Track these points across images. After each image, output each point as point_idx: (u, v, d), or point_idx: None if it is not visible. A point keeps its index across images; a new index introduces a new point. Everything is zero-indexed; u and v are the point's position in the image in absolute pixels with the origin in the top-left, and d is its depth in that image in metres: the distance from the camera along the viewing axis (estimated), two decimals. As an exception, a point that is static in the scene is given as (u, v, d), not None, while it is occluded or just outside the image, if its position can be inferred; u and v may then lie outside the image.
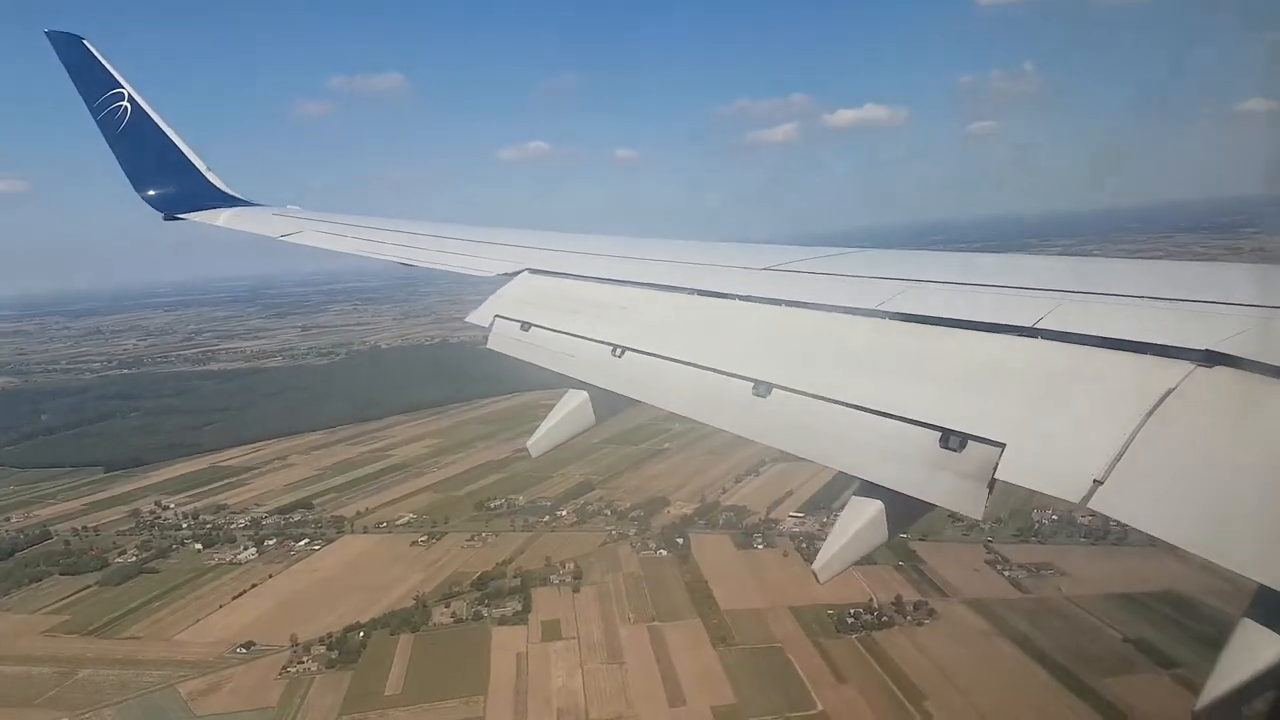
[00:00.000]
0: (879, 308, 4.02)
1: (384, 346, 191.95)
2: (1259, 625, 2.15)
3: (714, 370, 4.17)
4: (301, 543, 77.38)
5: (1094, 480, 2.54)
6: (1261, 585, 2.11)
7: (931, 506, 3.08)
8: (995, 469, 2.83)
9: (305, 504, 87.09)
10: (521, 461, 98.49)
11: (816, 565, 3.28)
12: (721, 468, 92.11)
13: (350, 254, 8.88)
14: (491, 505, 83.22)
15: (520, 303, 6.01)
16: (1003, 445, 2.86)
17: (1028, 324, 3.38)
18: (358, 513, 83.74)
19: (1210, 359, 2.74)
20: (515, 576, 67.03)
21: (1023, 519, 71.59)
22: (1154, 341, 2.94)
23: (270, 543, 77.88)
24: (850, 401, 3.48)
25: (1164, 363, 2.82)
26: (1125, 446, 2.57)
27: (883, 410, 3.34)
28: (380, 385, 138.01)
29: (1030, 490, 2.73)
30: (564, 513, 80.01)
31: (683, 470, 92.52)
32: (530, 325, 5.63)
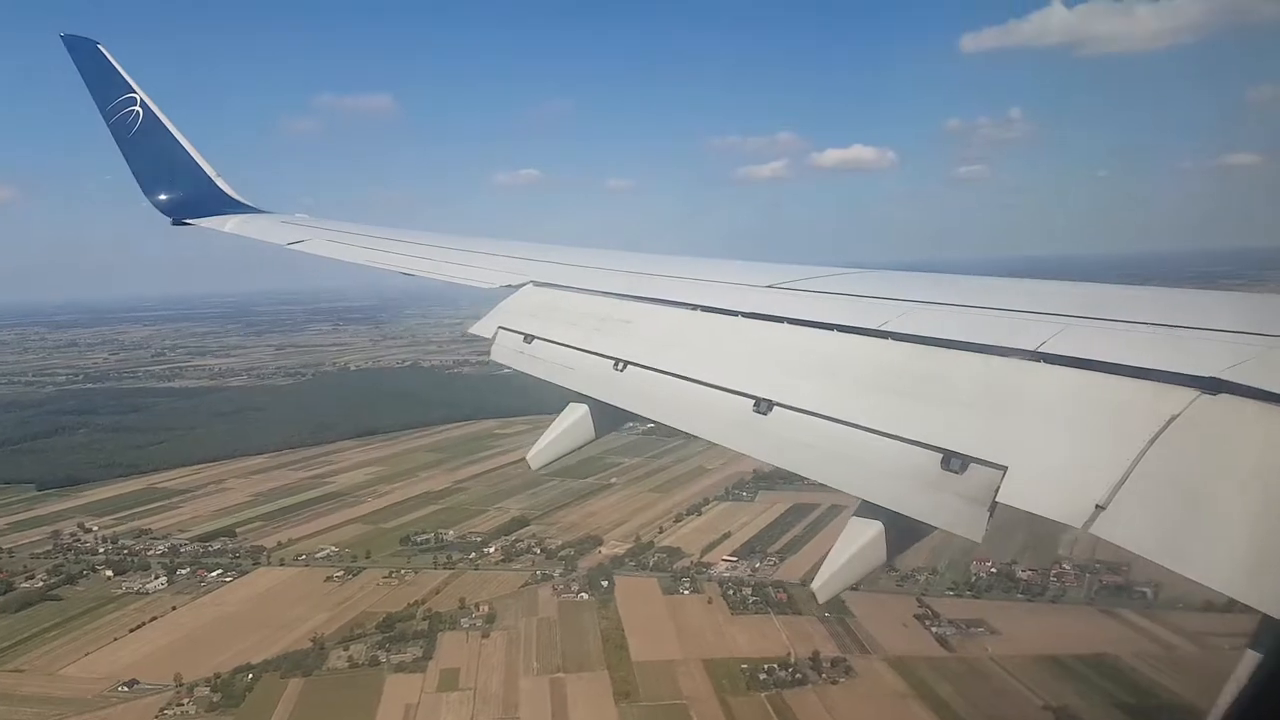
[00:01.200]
0: (882, 327, 3.99)
1: (353, 368, 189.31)
2: (1260, 656, 2.18)
3: (715, 386, 4.17)
4: (215, 573, 74.35)
5: (1096, 505, 2.54)
6: (1265, 615, 2.12)
7: (932, 528, 3.07)
8: (997, 492, 2.82)
9: (229, 531, 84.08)
10: (462, 493, 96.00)
11: (815, 585, 3.28)
12: (665, 505, 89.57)
13: (355, 263, 8.82)
14: (418, 540, 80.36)
15: (524, 315, 6.00)
16: (1005, 468, 2.85)
17: (1032, 347, 3.34)
18: (279, 543, 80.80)
19: (1214, 386, 2.71)
20: (424, 618, 64.06)
21: (960, 571, 68.95)
22: (1158, 368, 2.90)
23: (183, 572, 74.85)
24: (851, 420, 3.47)
25: (1168, 389, 2.80)
26: (1128, 472, 2.57)
27: (884, 430, 3.31)
28: (338, 408, 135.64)
29: (1032, 513, 2.71)
30: (491, 550, 77.11)
31: (624, 507, 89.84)
32: (533, 338, 5.60)
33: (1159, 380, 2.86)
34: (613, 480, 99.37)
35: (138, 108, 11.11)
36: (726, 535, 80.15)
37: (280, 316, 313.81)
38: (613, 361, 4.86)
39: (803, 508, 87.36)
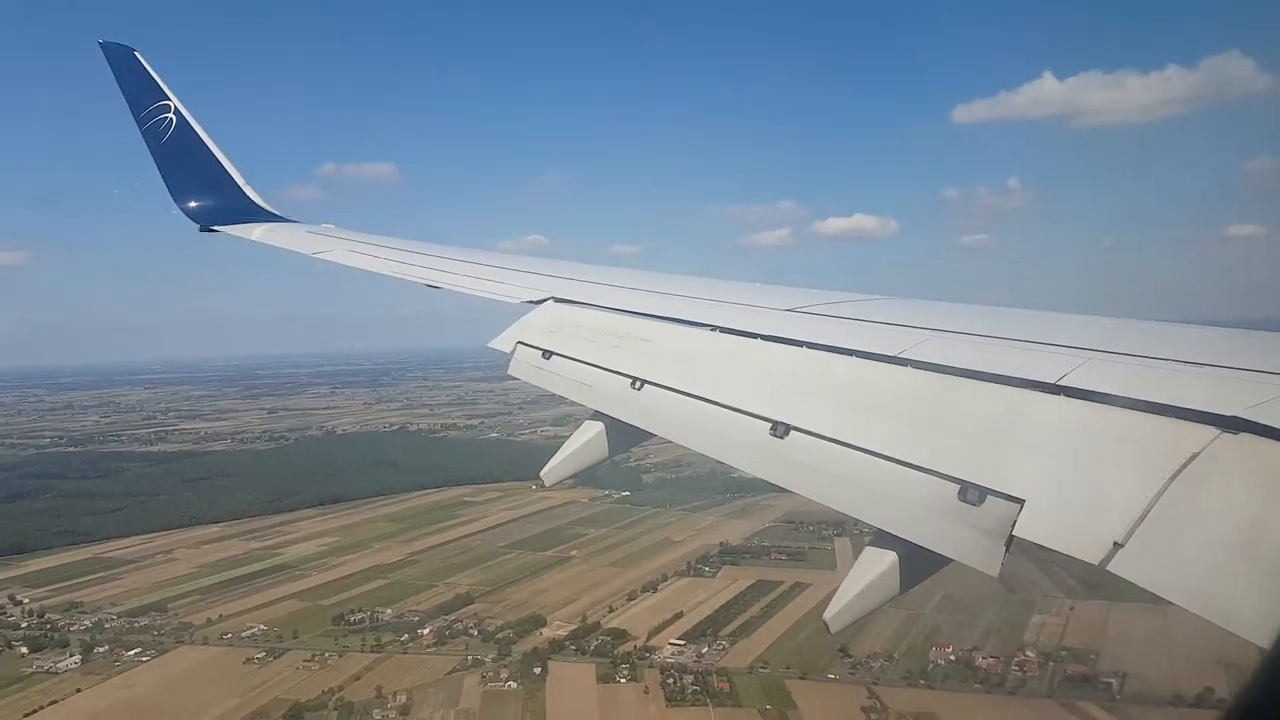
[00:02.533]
0: (901, 355, 3.94)
1: (340, 432, 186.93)
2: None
3: (733, 408, 4.13)
4: (132, 652, 70.29)
5: (1114, 542, 2.52)
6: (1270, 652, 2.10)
7: (947, 560, 3.05)
8: (1014, 525, 2.79)
9: (160, 606, 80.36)
10: (412, 566, 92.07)
11: (828, 615, 3.24)
12: (621, 581, 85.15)
13: (380, 274, 8.68)
14: (352, 619, 76.14)
15: (543, 331, 6.00)
16: (1022, 501, 2.83)
17: (1051, 380, 3.30)
18: (209, 620, 76.77)
19: (1236, 425, 2.68)
20: (336, 708, 59.76)
21: (917, 658, 64.08)
22: (1179, 405, 2.86)
23: (101, 650, 70.90)
24: (868, 448, 3.43)
25: (1189, 426, 2.76)
26: (1147, 510, 2.54)
27: (901, 459, 3.28)
28: (309, 474, 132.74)
29: (1048, 548, 2.70)
30: (425, 631, 72.70)
31: (579, 583, 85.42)
32: (552, 353, 5.61)
33: (1180, 417, 2.80)
34: (573, 553, 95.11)
35: (171, 115, 11.12)
36: (679, 615, 75.50)
37: (282, 379, 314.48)
38: (630, 380, 4.84)
39: (765, 585, 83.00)
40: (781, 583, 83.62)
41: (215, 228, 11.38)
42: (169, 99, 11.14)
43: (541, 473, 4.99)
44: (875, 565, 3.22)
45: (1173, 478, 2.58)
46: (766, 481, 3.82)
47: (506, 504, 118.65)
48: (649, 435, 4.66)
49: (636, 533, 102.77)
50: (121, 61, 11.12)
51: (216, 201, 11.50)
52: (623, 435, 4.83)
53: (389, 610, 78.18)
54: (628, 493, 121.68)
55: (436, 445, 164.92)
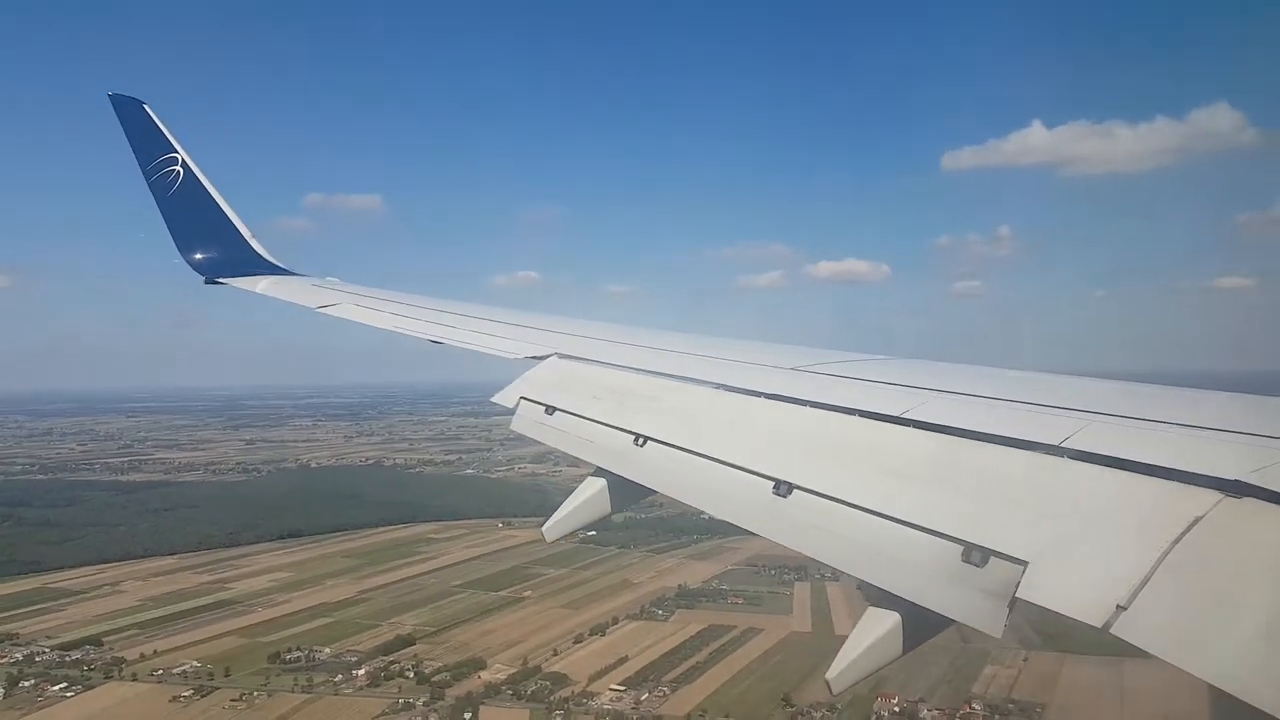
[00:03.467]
0: (905, 414, 3.98)
1: (314, 465, 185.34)
2: None
3: (735, 466, 4.16)
4: (58, 687, 68.34)
5: (1117, 605, 2.51)
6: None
7: (950, 621, 3.04)
8: (1017, 588, 2.78)
9: (96, 640, 78.42)
10: (360, 604, 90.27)
11: (830, 675, 3.23)
12: (571, 623, 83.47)
13: (384, 329, 8.75)
14: (289, 657, 74.24)
15: (546, 386, 6.05)
16: (1025, 564, 2.82)
17: (1054, 442, 3.33)
18: (143, 655, 74.77)
19: (1239, 489, 2.70)
20: (253, 749, 58.01)
21: (861, 708, 62.41)
22: (1181, 468, 2.88)
23: (26, 684, 68.97)
24: (872, 507, 3.45)
25: (1192, 490, 2.78)
26: (1150, 573, 2.55)
27: (904, 519, 3.29)
28: (274, 507, 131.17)
29: (1051, 611, 2.69)
30: (361, 672, 70.82)
31: (527, 625, 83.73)
32: (554, 409, 5.63)
33: (1182, 480, 2.83)
34: (527, 594, 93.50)
35: (179, 167, 11.25)
36: (623, 660, 73.78)
37: (267, 411, 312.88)
38: (633, 436, 4.83)
39: (716, 630, 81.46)
40: (734, 628, 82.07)
41: (220, 280, 11.49)
42: (177, 152, 11.29)
43: (544, 528, 4.94)
44: (878, 626, 3.19)
45: (1176, 541, 2.59)
46: (770, 540, 3.77)
47: (469, 541, 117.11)
48: (651, 492, 4.66)
49: (596, 574, 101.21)
50: (130, 114, 11.25)
51: (222, 254, 11.61)
52: (625, 492, 4.83)
53: (327, 649, 76.21)
54: (594, 532, 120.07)
55: (409, 480, 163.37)
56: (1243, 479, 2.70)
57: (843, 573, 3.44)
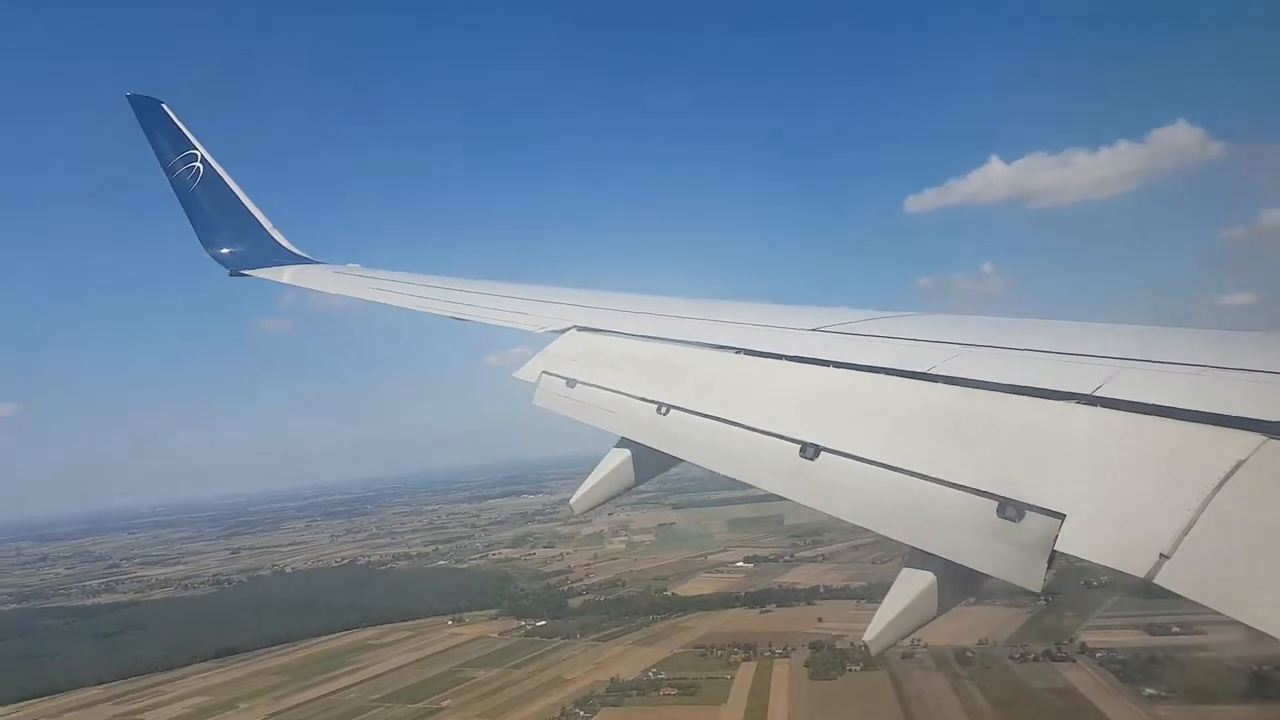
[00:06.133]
0: (932, 371, 3.89)
1: (289, 570, 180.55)
2: None
3: (761, 431, 4.12)
4: None
5: (1160, 554, 2.47)
6: None
7: (985, 578, 3.04)
8: (1055, 540, 2.75)
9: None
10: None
11: (868, 636, 3.20)
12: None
13: (404, 309, 8.74)
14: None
15: (567, 359, 6.05)
16: (1063, 516, 2.79)
17: (1088, 391, 3.23)
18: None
19: None
20: None
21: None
22: (1221, 411, 2.81)
23: None
24: (902, 466, 3.39)
25: (1233, 434, 2.70)
26: (1193, 519, 2.49)
27: (936, 477, 3.23)
28: (221, 623, 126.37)
29: (1092, 564, 2.68)
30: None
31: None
32: (576, 382, 5.66)
33: (1223, 425, 2.74)
34: (445, 703, 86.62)
35: (198, 164, 11.39)
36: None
37: (267, 515, 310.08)
38: (656, 405, 4.84)
39: (637, 730, 74.26)
40: (655, 727, 74.90)
41: (245, 272, 11.61)
42: (196, 148, 11.42)
43: (571, 500, 5.01)
44: (914, 586, 3.17)
45: (1219, 486, 2.52)
46: (797, 502, 3.73)
47: (411, 645, 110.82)
48: (676, 461, 4.70)
49: (529, 672, 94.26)
50: (149, 113, 11.41)
51: (245, 247, 11.75)
52: (649, 462, 4.86)
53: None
54: (544, 622, 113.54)
55: (374, 579, 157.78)
56: None
57: (876, 534, 3.35)
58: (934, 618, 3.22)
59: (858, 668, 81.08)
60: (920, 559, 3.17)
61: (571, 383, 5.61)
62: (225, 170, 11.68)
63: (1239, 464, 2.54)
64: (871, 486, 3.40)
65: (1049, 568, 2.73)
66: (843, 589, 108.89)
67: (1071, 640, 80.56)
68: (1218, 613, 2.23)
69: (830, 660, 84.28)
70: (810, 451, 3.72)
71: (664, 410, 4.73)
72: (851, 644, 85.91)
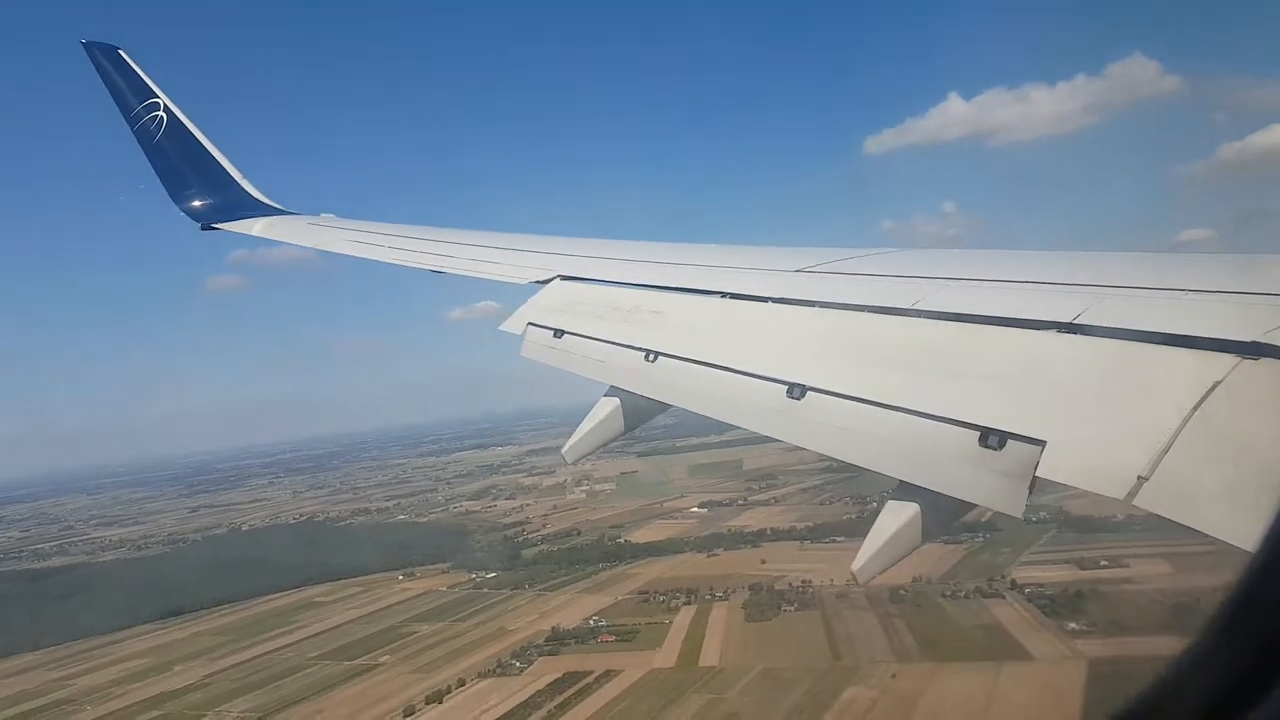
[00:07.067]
0: (913, 306, 3.94)
1: (246, 528, 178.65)
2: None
3: (747, 373, 4.15)
4: None
5: (1139, 476, 2.53)
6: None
7: (971, 506, 3.11)
8: (1036, 467, 2.82)
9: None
10: (197, 692, 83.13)
11: (855, 566, 3.25)
12: (417, 688, 76.17)
13: (383, 262, 8.58)
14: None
15: (552, 310, 6.02)
16: (1043, 443, 2.85)
17: (1066, 319, 3.28)
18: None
19: (1257, 350, 2.67)
20: None
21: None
22: (1196, 334, 2.85)
23: None
24: (885, 402, 3.45)
25: (1208, 355, 2.75)
26: (1171, 441, 2.54)
27: (919, 410, 3.30)
28: (167, 583, 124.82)
29: (1072, 487, 2.73)
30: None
31: (365, 698, 76.25)
32: (563, 332, 5.65)
33: (1198, 347, 2.80)
34: (384, 659, 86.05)
35: (161, 113, 10.98)
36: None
37: (231, 472, 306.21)
38: (643, 353, 4.87)
39: (571, 678, 74.53)
40: (590, 672, 74.80)
41: (216, 225, 11.26)
42: (158, 97, 11.00)
43: (563, 450, 4.99)
44: (899, 517, 3.22)
45: (1195, 408, 2.56)
46: (786, 442, 3.80)
47: (357, 601, 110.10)
48: (665, 407, 4.72)
49: (471, 624, 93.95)
50: (107, 60, 10.96)
51: (216, 199, 11.34)
52: (639, 409, 4.88)
53: (129, 751, 69.57)
54: (494, 574, 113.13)
55: (329, 535, 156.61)
56: (1259, 339, 2.64)
57: (863, 470, 3.38)
58: (918, 547, 3.26)
59: (792, 608, 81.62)
60: (905, 490, 3.20)
61: (558, 333, 5.63)
62: (189, 119, 11.24)
63: (1215, 384, 2.57)
64: (856, 423, 3.46)
65: (1030, 494, 2.78)
66: (788, 530, 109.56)
67: (1003, 577, 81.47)
68: (1197, 532, 2.25)
69: (767, 602, 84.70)
70: (797, 392, 3.78)
71: (651, 358, 4.77)
72: (789, 584, 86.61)
